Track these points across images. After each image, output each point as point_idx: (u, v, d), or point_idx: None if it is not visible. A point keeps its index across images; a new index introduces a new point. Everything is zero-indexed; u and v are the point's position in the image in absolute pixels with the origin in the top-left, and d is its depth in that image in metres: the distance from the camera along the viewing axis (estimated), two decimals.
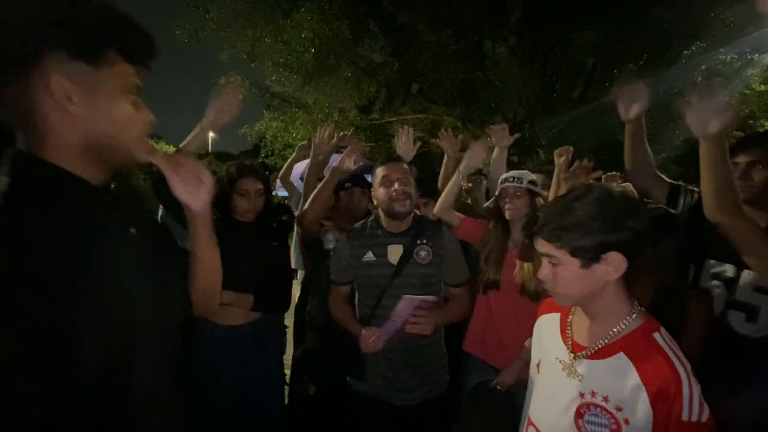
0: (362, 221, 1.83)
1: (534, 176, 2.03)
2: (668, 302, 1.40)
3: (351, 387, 1.76)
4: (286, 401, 2.20)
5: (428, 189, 2.41)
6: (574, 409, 0.95)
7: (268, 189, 2.00)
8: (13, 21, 0.58)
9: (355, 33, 9.13)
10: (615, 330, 0.95)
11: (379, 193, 1.69)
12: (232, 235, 1.91)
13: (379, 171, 1.71)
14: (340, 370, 1.81)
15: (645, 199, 1.68)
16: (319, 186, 2.18)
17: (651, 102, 1.58)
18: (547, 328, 1.12)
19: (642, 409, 0.86)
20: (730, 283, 1.44)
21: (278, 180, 3.57)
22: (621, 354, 0.92)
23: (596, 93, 9.23)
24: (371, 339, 1.57)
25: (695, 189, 1.59)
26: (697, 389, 0.86)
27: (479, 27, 9.14)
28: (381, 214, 1.73)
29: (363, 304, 1.75)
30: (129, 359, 0.65)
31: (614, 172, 3.17)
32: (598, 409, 0.92)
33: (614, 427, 0.89)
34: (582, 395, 0.94)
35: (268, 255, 1.91)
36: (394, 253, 1.69)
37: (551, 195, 1.85)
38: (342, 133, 2.45)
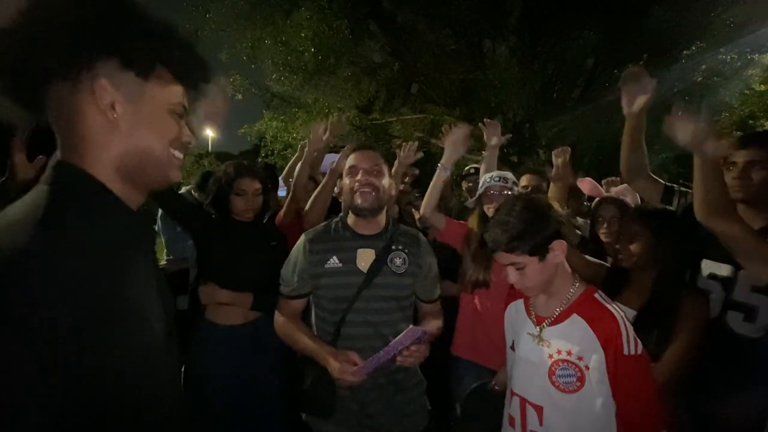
0: (325, 222, 1.57)
1: (513, 177, 2.01)
2: (666, 299, 1.41)
3: (309, 428, 1.45)
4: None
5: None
6: (546, 369, 1.15)
7: (266, 189, 2.01)
8: (73, 19, 0.57)
9: (355, 33, 9.13)
10: (566, 298, 1.19)
11: (343, 183, 1.47)
12: (230, 235, 1.92)
13: (348, 158, 1.48)
14: None
15: (642, 200, 1.68)
16: (318, 188, 2.18)
17: (652, 101, 1.57)
18: (515, 313, 1.35)
19: (597, 354, 1.09)
20: (728, 284, 1.44)
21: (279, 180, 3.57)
22: (574, 315, 1.16)
23: (596, 93, 9.23)
24: (353, 369, 1.25)
25: (689, 190, 1.59)
26: (631, 330, 1.09)
27: (479, 27, 9.12)
28: (349, 212, 1.49)
29: (323, 321, 1.44)
30: (159, 375, 0.65)
31: (612, 178, 3.13)
32: (566, 363, 1.13)
33: (579, 374, 1.11)
34: (551, 356, 1.16)
35: (267, 254, 1.90)
36: (365, 258, 1.42)
37: (550, 194, 1.85)
38: (335, 116, 2.44)
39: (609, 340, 1.07)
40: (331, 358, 1.31)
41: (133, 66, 0.61)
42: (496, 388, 1.83)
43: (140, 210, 0.70)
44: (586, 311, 1.15)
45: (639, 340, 1.08)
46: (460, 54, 9.14)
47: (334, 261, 1.42)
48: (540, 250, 1.13)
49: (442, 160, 1.99)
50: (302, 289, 1.46)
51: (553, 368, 1.14)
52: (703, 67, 8.96)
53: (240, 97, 10.43)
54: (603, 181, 3.07)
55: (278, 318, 1.51)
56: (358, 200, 1.40)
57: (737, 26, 8.05)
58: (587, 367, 1.10)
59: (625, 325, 1.09)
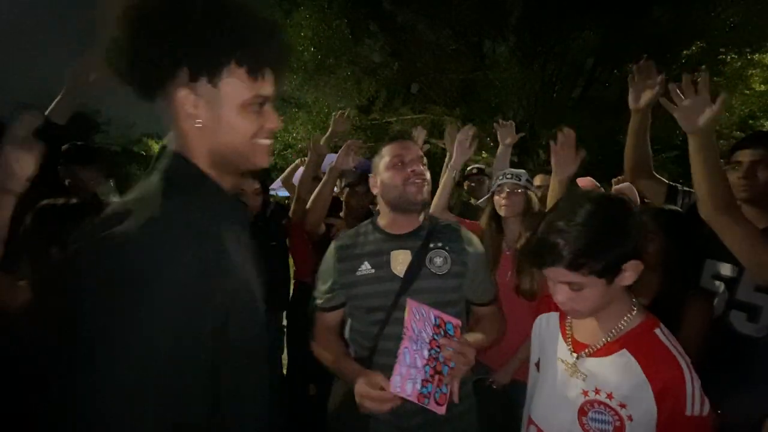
0: (354, 227, 1.43)
1: (528, 176, 2.00)
2: (670, 300, 1.41)
3: None
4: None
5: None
6: (577, 407, 0.94)
7: (266, 188, 2.04)
8: (160, 36, 0.63)
9: (355, 33, 9.13)
10: (617, 327, 0.95)
11: (385, 177, 1.27)
12: None
13: (387, 150, 1.30)
14: None
15: (645, 200, 1.67)
16: (318, 186, 2.19)
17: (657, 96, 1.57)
18: (546, 328, 1.11)
19: (647, 404, 0.87)
20: (731, 283, 1.44)
21: (279, 180, 3.58)
22: (624, 351, 0.92)
23: (596, 93, 9.22)
24: (389, 397, 1.03)
25: (692, 190, 1.60)
26: (698, 384, 0.87)
27: (479, 27, 9.13)
28: (383, 210, 1.34)
29: (359, 335, 1.29)
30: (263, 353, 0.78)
31: (620, 177, 3.04)
32: (602, 407, 0.91)
33: (618, 424, 0.89)
34: (585, 393, 0.94)
35: (266, 254, 1.90)
36: (400, 260, 1.26)
37: (550, 192, 1.82)
38: (338, 113, 2.49)
39: (667, 394, 0.85)
40: (360, 378, 1.07)
41: (203, 74, 0.67)
42: (494, 386, 1.83)
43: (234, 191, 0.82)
44: (640, 349, 0.91)
45: (706, 398, 0.86)
46: (460, 54, 9.14)
47: (366, 267, 1.27)
48: (611, 270, 0.87)
49: (451, 162, 1.99)
50: (335, 300, 1.31)
51: (585, 408, 0.93)
52: (703, 67, 8.95)
53: None
54: (613, 180, 3.03)
55: (316, 334, 1.35)
56: (414, 193, 1.23)
57: (737, 26, 8.05)
58: (630, 418, 0.88)
59: (691, 376, 0.86)
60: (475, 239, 1.38)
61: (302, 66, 9.18)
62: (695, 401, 0.85)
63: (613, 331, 0.95)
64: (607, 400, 0.91)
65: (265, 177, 2.06)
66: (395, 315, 1.21)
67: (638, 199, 2.44)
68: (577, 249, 0.86)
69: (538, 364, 1.11)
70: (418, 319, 1.07)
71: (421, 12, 9.01)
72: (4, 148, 1.14)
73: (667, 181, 1.69)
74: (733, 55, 8.77)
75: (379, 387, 1.04)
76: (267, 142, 0.75)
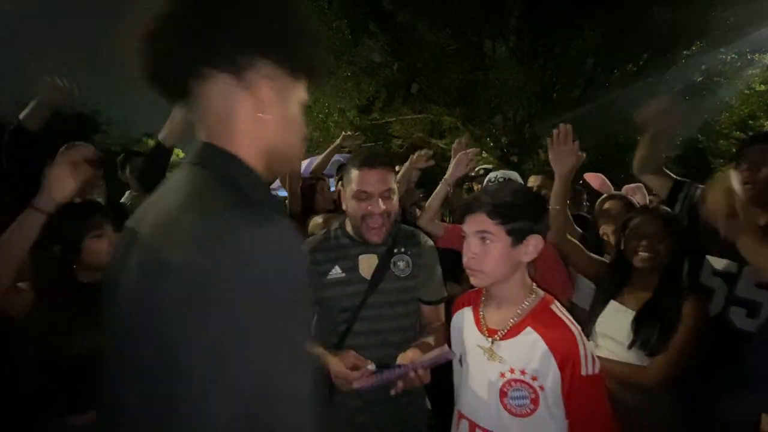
0: (324, 230, 1.50)
1: (519, 178, 2.02)
2: (669, 297, 1.42)
3: None
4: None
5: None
6: (498, 390, 1.03)
7: None
8: (237, 18, 0.59)
9: (354, 33, 9.14)
10: (520, 309, 1.07)
11: (349, 203, 1.35)
12: None
13: (354, 176, 1.32)
14: None
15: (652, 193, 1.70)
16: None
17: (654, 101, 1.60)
18: (462, 323, 1.20)
19: (553, 372, 0.98)
20: (731, 279, 1.44)
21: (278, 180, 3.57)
22: (528, 329, 1.03)
23: (596, 93, 9.23)
24: (362, 376, 1.15)
25: (699, 186, 1.60)
26: (589, 346, 1.00)
27: (479, 27, 9.14)
28: (349, 221, 1.43)
29: (329, 334, 1.37)
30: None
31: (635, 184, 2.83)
32: (518, 384, 1.01)
33: (533, 395, 1.00)
34: (503, 375, 1.03)
35: None
36: (368, 264, 1.37)
37: (553, 193, 1.82)
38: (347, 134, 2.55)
39: (566, 359, 0.97)
40: (332, 358, 1.20)
41: (288, 68, 0.64)
42: None
43: None
44: (540, 324, 1.02)
45: (597, 359, 0.99)
46: (460, 54, 9.15)
47: (336, 271, 1.36)
48: (518, 234, 1.02)
49: (447, 177, 2.02)
50: None
51: (504, 389, 1.02)
52: (703, 67, 8.97)
53: None
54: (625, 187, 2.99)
55: None
56: (370, 235, 1.32)
57: (737, 26, 8.06)
58: (542, 388, 0.99)
59: (583, 341, 0.99)
60: (431, 243, 1.49)
61: None
62: (588, 362, 0.97)
63: (518, 312, 1.06)
64: (522, 377, 1.01)
65: None
66: (362, 314, 1.34)
67: (646, 199, 2.45)
68: (498, 203, 1.03)
69: (461, 360, 1.18)
70: (435, 360, 1.15)
71: (421, 12, 9.02)
72: (49, 168, 1.17)
73: (674, 176, 1.69)
74: (733, 55, 8.78)
75: (351, 365, 1.18)
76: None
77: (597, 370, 0.98)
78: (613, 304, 1.52)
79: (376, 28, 9.60)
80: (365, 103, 9.81)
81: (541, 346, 0.99)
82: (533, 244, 1.03)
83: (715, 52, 8.57)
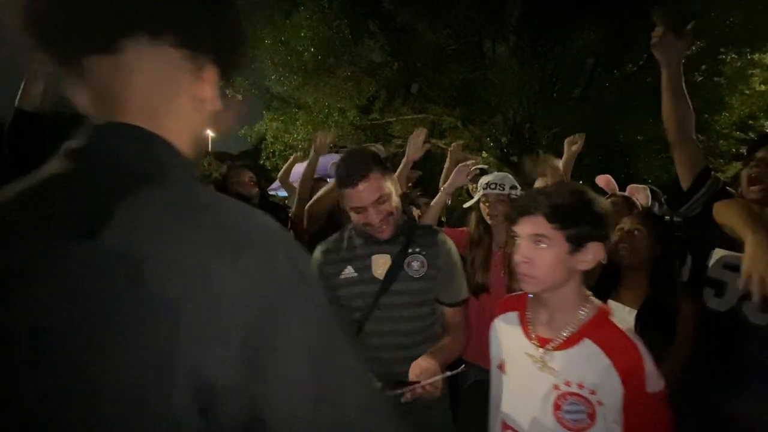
0: (338, 231, 1.49)
1: (514, 180, 2.03)
2: (663, 298, 1.42)
3: None
4: None
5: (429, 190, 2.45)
6: (551, 402, 0.97)
7: (259, 181, 2.11)
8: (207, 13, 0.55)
9: (354, 33, 9.13)
10: (576, 319, 1.00)
11: (351, 214, 1.37)
12: None
13: (346, 193, 1.31)
14: None
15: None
16: (327, 188, 2.21)
17: (651, 102, 1.57)
18: (506, 328, 1.14)
19: (614, 388, 0.92)
20: None
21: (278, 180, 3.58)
22: (587, 340, 0.97)
23: (596, 93, 9.23)
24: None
25: (721, 179, 1.53)
26: (652, 363, 0.94)
27: (479, 27, 9.13)
28: None
29: None
30: None
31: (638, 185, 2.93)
32: (575, 397, 0.95)
33: (590, 411, 0.94)
34: (557, 387, 0.97)
35: None
36: (380, 265, 1.36)
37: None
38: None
39: (630, 374, 0.91)
40: None
41: (226, 64, 0.61)
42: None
43: None
44: (600, 337, 0.96)
45: (661, 375, 0.94)
46: (460, 54, 9.14)
47: (349, 271, 1.36)
48: (577, 240, 0.94)
49: (446, 186, 2.05)
50: None
51: (558, 402, 0.96)
52: (703, 67, 8.95)
53: (240, 97, 10.43)
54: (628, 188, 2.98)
55: None
56: (377, 234, 1.32)
57: (737, 26, 8.05)
58: (600, 403, 0.93)
59: (647, 356, 0.94)
60: (450, 243, 1.44)
61: (302, 66, 9.19)
62: (653, 377, 0.91)
63: (573, 322, 0.99)
64: (579, 390, 0.95)
65: (257, 171, 2.15)
66: (374, 314, 1.32)
67: (648, 200, 2.44)
68: (558, 205, 0.95)
69: (502, 367, 1.13)
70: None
71: (421, 12, 9.01)
72: None
73: (704, 162, 1.56)
74: (733, 55, 8.77)
75: None
76: None
77: (661, 386, 0.93)
78: (611, 303, 1.53)
79: (376, 28, 9.58)
80: (365, 103, 9.79)
81: (603, 360, 0.94)
82: (593, 252, 0.96)
83: (715, 52, 8.56)
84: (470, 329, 1.97)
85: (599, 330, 0.97)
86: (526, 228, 0.99)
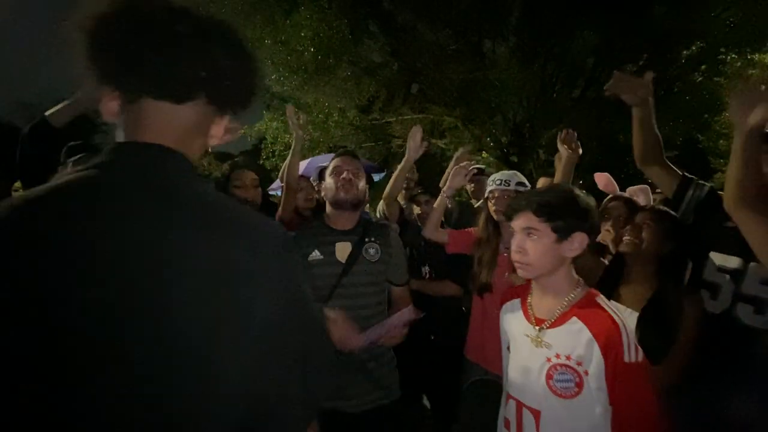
0: (307, 221, 1.76)
1: (522, 177, 2.03)
2: (668, 297, 1.43)
3: None
4: None
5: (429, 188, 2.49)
6: (545, 373, 1.12)
7: (262, 182, 2.10)
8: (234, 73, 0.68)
9: (354, 33, 9.13)
10: (567, 300, 1.15)
11: (327, 182, 1.67)
12: None
13: (332, 162, 1.70)
14: None
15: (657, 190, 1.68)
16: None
17: (652, 97, 1.58)
18: (510, 313, 1.31)
19: (596, 359, 1.06)
20: (737, 276, 1.44)
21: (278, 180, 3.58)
22: (574, 318, 1.12)
23: (596, 93, 9.22)
24: (355, 338, 1.20)
25: (705, 183, 1.58)
26: (632, 335, 1.07)
27: (479, 27, 9.12)
28: (328, 209, 1.69)
29: None
30: None
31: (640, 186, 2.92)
32: (564, 368, 1.10)
33: (578, 380, 1.08)
34: (549, 360, 1.13)
35: None
36: (343, 250, 1.61)
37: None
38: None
39: (609, 346, 1.04)
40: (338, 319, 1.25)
41: (231, 111, 0.73)
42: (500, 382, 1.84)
43: None
44: (586, 314, 1.10)
45: (639, 347, 1.06)
46: (460, 54, 9.13)
47: (316, 254, 1.60)
48: (563, 231, 1.10)
49: (445, 189, 2.09)
50: None
51: (551, 372, 1.11)
52: (703, 67, 8.95)
53: None
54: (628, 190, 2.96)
55: None
56: (342, 193, 1.61)
57: (737, 26, 8.05)
58: (586, 372, 1.07)
59: (626, 330, 1.06)
60: (396, 236, 1.76)
61: (302, 66, 9.19)
62: (630, 349, 1.04)
63: (564, 303, 1.15)
64: (567, 362, 1.10)
65: (259, 173, 2.14)
66: (337, 292, 1.56)
67: (651, 200, 2.44)
68: (544, 201, 1.12)
69: (509, 348, 1.29)
70: (403, 318, 1.41)
71: (421, 12, 9.00)
72: None
73: (681, 173, 1.66)
74: (733, 55, 8.77)
75: (360, 336, 1.32)
76: None
77: (640, 358, 1.05)
78: (612, 304, 1.53)
79: (376, 28, 9.59)
80: (365, 103, 9.79)
81: (586, 334, 1.08)
82: (578, 241, 1.11)
83: (715, 52, 8.56)
84: (473, 330, 1.98)
85: (585, 309, 1.12)
86: (519, 222, 1.16)
